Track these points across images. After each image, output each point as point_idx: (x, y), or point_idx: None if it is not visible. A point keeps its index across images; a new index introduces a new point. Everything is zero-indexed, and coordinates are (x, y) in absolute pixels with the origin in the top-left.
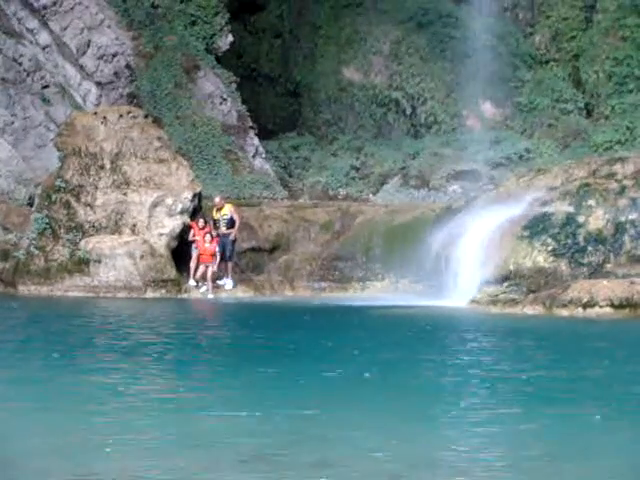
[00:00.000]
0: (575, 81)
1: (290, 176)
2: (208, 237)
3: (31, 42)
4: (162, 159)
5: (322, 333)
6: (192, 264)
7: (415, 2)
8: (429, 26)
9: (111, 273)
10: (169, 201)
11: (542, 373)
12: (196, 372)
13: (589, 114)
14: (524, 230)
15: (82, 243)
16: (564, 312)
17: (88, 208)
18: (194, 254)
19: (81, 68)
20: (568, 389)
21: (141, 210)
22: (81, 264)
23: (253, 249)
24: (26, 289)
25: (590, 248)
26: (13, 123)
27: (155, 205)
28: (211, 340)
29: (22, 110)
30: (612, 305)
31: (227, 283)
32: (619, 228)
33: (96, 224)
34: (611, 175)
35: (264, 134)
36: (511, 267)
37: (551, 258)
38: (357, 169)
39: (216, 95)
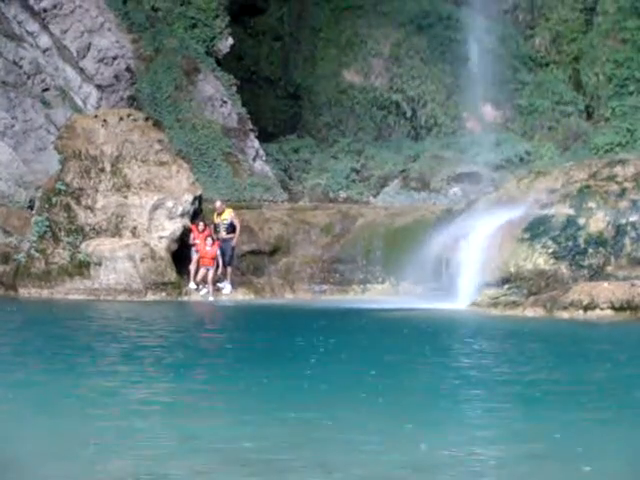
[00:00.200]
0: (575, 83)
1: (290, 179)
2: (209, 240)
3: (31, 45)
4: (162, 162)
5: (323, 336)
6: (192, 267)
7: (415, 4)
8: (429, 28)
9: (111, 276)
10: (169, 204)
11: (543, 376)
12: (196, 375)
13: (589, 116)
14: (524, 232)
15: (82, 246)
16: (565, 314)
17: (88, 211)
18: (194, 257)
19: (81, 71)
20: (569, 392)
21: (141, 213)
22: (81, 267)
23: (253, 252)
24: (27, 292)
25: (591, 250)
26: (13, 126)
27: (155, 208)
28: (211, 343)
29: (22, 113)
30: (613, 307)
31: (225, 287)
32: (620, 230)
33: (96, 227)
34: (611, 177)
35: (264, 137)
36: (512, 269)
37: (552, 260)
38: (357, 171)
39: (216, 98)
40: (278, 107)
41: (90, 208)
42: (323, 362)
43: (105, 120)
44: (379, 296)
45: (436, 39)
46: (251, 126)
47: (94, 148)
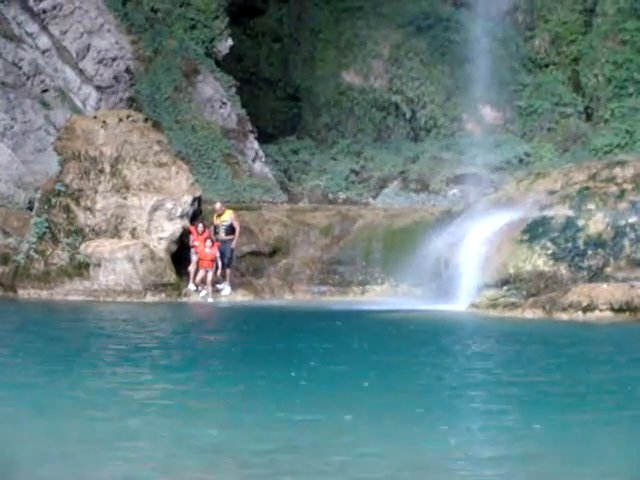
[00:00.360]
0: (575, 85)
1: (290, 180)
2: (209, 242)
3: (31, 46)
4: (162, 163)
5: (322, 337)
6: (192, 268)
7: (415, 6)
8: (429, 30)
9: (111, 277)
10: (169, 205)
11: (542, 378)
12: (195, 377)
13: (589, 118)
14: (524, 234)
15: (82, 247)
16: (564, 316)
17: (88, 212)
18: (193, 258)
19: (81, 72)
20: (568, 394)
21: (141, 214)
22: (81, 268)
23: (253, 253)
24: (26, 293)
25: (590, 252)
26: (13, 127)
27: (155, 209)
28: (210, 344)
29: (22, 114)
30: (612, 309)
31: (225, 289)
32: (619, 232)
33: (96, 228)
34: (611, 179)
35: (264, 138)
36: (511, 271)
37: (551, 262)
38: (357, 173)
39: (216, 99)
40: (277, 108)
41: (89, 209)
42: (322, 364)
43: (104, 121)
44: (378, 297)
45: (436, 40)
46: (250, 127)
47: (93, 149)
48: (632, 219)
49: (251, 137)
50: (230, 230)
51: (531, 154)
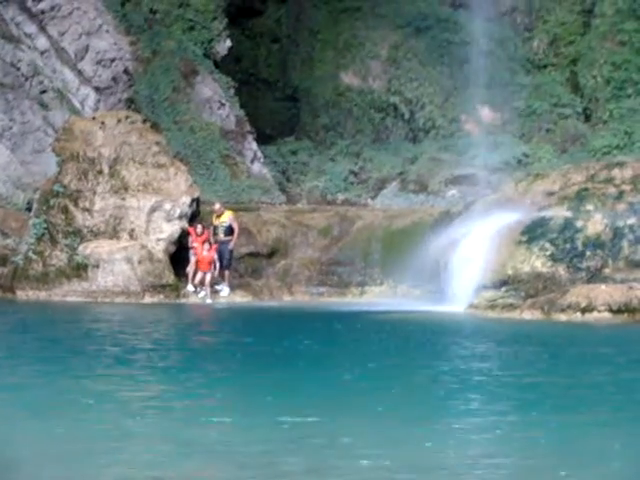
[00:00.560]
0: (573, 86)
1: (288, 181)
2: (206, 245)
3: (29, 47)
4: (160, 164)
5: (320, 339)
6: (190, 270)
7: (413, 7)
8: (427, 31)
9: (109, 278)
10: (167, 206)
11: (541, 379)
12: (193, 378)
13: (587, 119)
14: (522, 235)
15: (80, 248)
16: (562, 317)
17: (86, 213)
18: (192, 260)
19: (79, 73)
20: (567, 395)
21: (139, 215)
22: (79, 269)
23: (251, 254)
24: (24, 294)
25: (588, 253)
26: (11, 128)
27: (153, 210)
28: (208, 346)
29: (20, 115)
30: (610, 310)
31: (223, 290)
32: (617, 233)
33: (94, 229)
34: (609, 180)
35: (262, 139)
36: (509, 272)
37: (549, 263)
38: (355, 174)
39: (214, 100)
40: (276, 109)
41: (88, 210)
42: (320, 365)
43: (103, 122)
44: (377, 298)
45: (434, 41)
46: (249, 128)
47: (92, 150)
48: (630, 220)
49: (250, 138)
50: (229, 231)
51: (530, 155)
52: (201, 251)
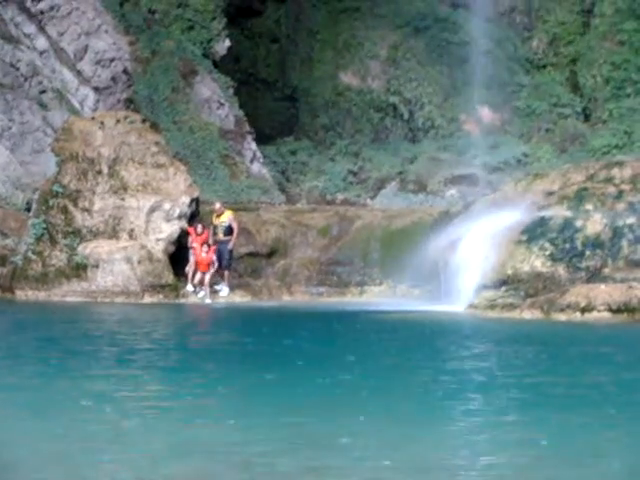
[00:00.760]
0: (573, 85)
1: (288, 181)
2: (205, 247)
3: (28, 47)
4: (160, 164)
5: (319, 339)
6: (189, 269)
7: (412, 7)
8: (426, 31)
9: (109, 278)
10: (167, 206)
11: (541, 379)
12: (191, 378)
13: (587, 118)
14: (522, 235)
15: (80, 248)
16: (562, 317)
17: (86, 213)
18: (192, 259)
19: (78, 73)
20: (567, 395)
21: (139, 215)
22: (79, 269)
23: (251, 254)
24: (24, 294)
25: (588, 252)
26: (10, 128)
27: (153, 210)
28: (206, 346)
29: (19, 115)
30: (610, 310)
31: (223, 290)
32: (617, 232)
33: (94, 229)
34: (609, 179)
35: (262, 139)
36: (509, 272)
37: (549, 263)
38: (355, 174)
39: (213, 100)
40: (275, 109)
41: (87, 210)
42: (319, 366)
43: (102, 122)
44: (376, 298)
45: (433, 41)
46: (248, 128)
47: (91, 150)
48: (630, 220)
49: (249, 138)
50: (229, 231)
51: (529, 155)
52: (200, 252)
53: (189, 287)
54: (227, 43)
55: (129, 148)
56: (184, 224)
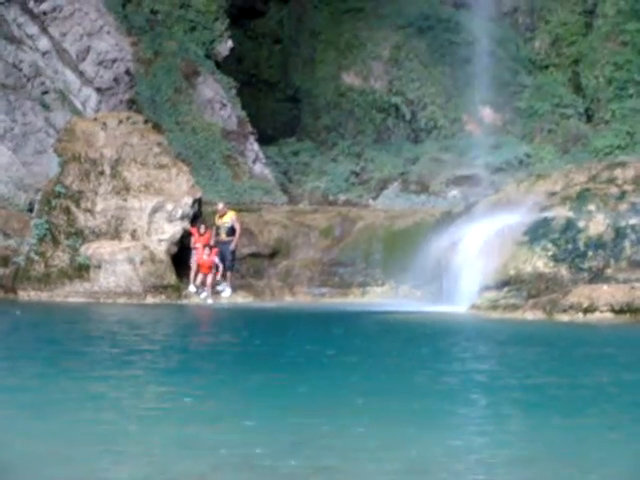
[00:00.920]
0: (575, 86)
1: (290, 181)
2: (207, 250)
3: (31, 48)
4: (162, 165)
5: (321, 340)
6: (192, 270)
7: (415, 7)
8: (429, 31)
9: (111, 279)
10: (169, 207)
11: (544, 380)
12: (193, 380)
13: (589, 119)
14: (524, 235)
15: (82, 249)
16: (564, 317)
17: (88, 214)
18: (194, 260)
19: (81, 74)
20: (570, 396)
21: (141, 216)
22: (81, 270)
23: (253, 254)
24: (26, 295)
25: (590, 253)
26: (13, 129)
27: (155, 211)
28: (208, 347)
29: (22, 116)
30: (613, 310)
31: (225, 290)
32: (619, 233)
33: (96, 230)
34: (611, 180)
35: (264, 139)
36: (511, 272)
37: (551, 263)
38: (357, 174)
39: (216, 101)
40: (278, 110)
41: (90, 211)
42: (321, 366)
43: (105, 123)
44: (379, 299)
45: (436, 42)
46: (251, 129)
47: (94, 151)
48: (632, 220)
49: (251, 139)
50: (231, 231)
51: (531, 155)
52: (202, 254)
53: (191, 288)
54: (229, 44)
55: (131, 149)
56: (187, 225)
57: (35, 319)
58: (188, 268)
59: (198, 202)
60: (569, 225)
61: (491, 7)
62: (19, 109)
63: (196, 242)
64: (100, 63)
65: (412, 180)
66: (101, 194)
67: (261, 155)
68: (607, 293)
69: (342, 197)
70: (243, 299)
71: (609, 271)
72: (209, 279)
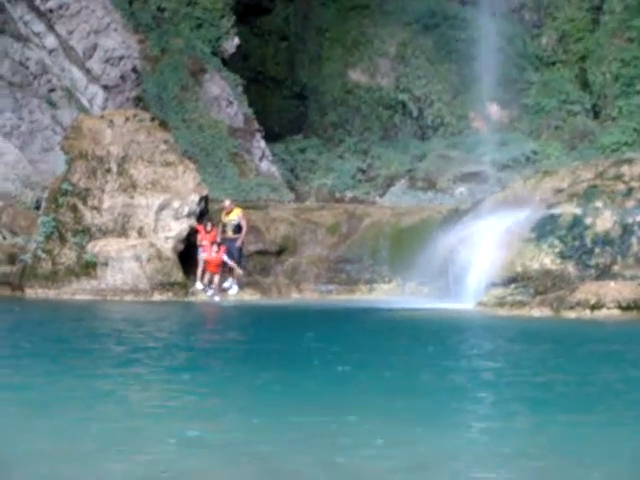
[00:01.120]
0: (582, 82)
1: (297, 179)
2: (215, 247)
3: (38, 46)
4: (169, 162)
5: (328, 337)
6: (199, 268)
7: (421, 4)
8: (435, 28)
9: (118, 276)
10: (176, 204)
11: (551, 377)
12: (199, 377)
13: (596, 116)
14: (531, 232)
15: (89, 246)
16: (571, 314)
17: (95, 211)
18: (201, 257)
19: (87, 71)
20: (577, 393)
21: (148, 213)
22: (88, 267)
23: (260, 252)
24: (33, 292)
25: (597, 250)
26: (20, 127)
27: (162, 208)
28: (214, 345)
29: (29, 113)
30: (620, 307)
31: (232, 288)
32: (626, 230)
33: (103, 227)
34: (618, 177)
35: (271, 137)
36: (518, 269)
37: (558, 260)
38: (364, 171)
39: (222, 98)
40: (284, 107)
41: (96, 208)
42: (327, 364)
43: (111, 120)
44: (386, 296)
45: (442, 38)
46: (257, 126)
47: (100, 149)
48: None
49: (258, 136)
50: (238, 229)
51: (538, 152)
52: (210, 252)
53: (198, 285)
54: (236, 41)
55: (138, 146)
56: (193, 222)
57: (41, 317)
58: (195, 265)
59: (205, 200)
60: (576, 222)
61: (498, 4)
62: (26, 107)
63: (202, 239)
64: (107, 61)
65: (419, 177)
66: (108, 192)
67: (268, 152)
68: (614, 290)
69: (349, 194)
70: (250, 296)
71: (616, 268)
72: (216, 277)
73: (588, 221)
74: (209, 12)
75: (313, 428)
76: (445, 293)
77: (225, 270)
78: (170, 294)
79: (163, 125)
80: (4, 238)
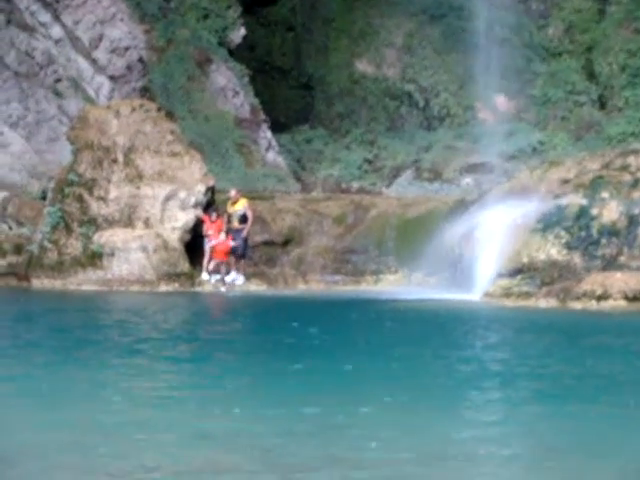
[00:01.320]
0: (588, 73)
1: (303, 169)
2: (222, 235)
3: (44, 36)
4: (175, 152)
5: (334, 328)
6: (205, 258)
7: None
8: (442, 18)
9: (124, 267)
10: (182, 195)
11: (557, 368)
12: (205, 368)
13: (603, 106)
14: (537, 223)
15: (95, 237)
16: (577, 305)
17: (101, 202)
18: (207, 248)
19: (94, 62)
20: (583, 385)
21: (154, 204)
22: (94, 258)
23: (266, 242)
24: (40, 283)
25: (604, 241)
26: (26, 117)
27: (168, 199)
28: (221, 335)
29: (35, 104)
30: (626, 298)
31: (238, 278)
32: (633, 220)
33: (109, 218)
34: (625, 167)
35: (277, 127)
36: (524, 260)
37: (564, 251)
38: (370, 162)
39: (229, 88)
40: (290, 97)
41: (103, 199)
42: (334, 355)
43: (117, 111)
44: (392, 287)
45: (449, 29)
46: (263, 117)
47: (107, 139)
48: None
49: (264, 126)
50: (243, 219)
51: (545, 143)
52: (217, 239)
53: (204, 275)
54: (242, 31)
55: (144, 137)
56: (200, 213)
57: (47, 307)
58: (201, 256)
59: (211, 190)
60: (582, 213)
61: None
62: (32, 97)
63: (208, 229)
64: (113, 51)
65: (425, 168)
66: (114, 182)
67: (274, 143)
68: (620, 281)
69: (355, 185)
70: (256, 287)
71: (622, 259)
72: (223, 267)
73: (594, 212)
74: (215, 2)
75: (320, 419)
76: (451, 284)
77: (229, 261)
78: (176, 285)
79: (169, 115)
80: (10, 228)
